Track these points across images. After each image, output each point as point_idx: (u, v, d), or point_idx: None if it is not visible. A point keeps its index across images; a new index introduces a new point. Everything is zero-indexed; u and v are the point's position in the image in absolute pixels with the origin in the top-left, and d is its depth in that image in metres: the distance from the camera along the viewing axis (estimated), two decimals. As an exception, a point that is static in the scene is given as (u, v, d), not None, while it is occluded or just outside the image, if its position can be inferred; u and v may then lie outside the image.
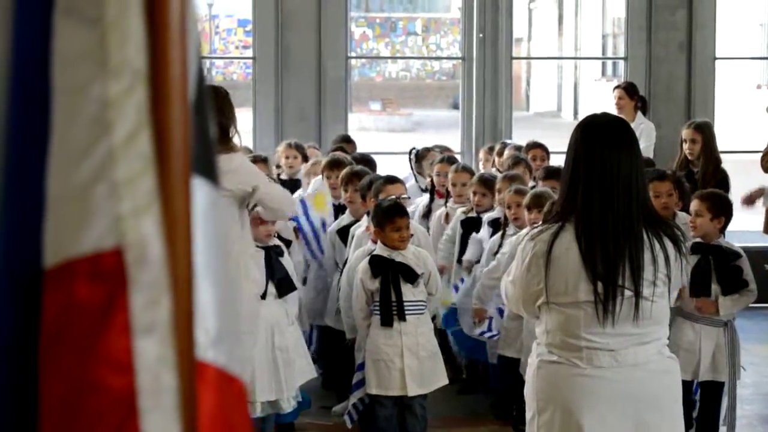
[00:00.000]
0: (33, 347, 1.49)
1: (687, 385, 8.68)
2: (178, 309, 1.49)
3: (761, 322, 12.76)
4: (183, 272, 1.49)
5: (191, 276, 1.51)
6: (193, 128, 1.55)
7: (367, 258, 8.85)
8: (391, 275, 8.75)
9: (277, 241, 8.80)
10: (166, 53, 1.46)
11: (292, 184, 11.15)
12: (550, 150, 12.25)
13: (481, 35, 14.40)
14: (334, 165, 10.77)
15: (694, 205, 8.87)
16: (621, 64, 15.60)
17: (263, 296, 8.57)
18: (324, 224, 10.27)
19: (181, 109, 1.49)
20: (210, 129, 1.63)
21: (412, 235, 8.96)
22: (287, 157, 11.75)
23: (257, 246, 8.48)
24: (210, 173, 1.60)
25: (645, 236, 5.52)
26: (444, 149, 12.46)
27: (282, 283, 8.72)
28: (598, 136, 5.70)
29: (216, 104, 7.12)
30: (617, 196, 5.53)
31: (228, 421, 1.61)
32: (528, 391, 5.74)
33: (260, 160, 10.93)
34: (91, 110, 1.46)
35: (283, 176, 11.48)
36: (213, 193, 1.60)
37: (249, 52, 15.48)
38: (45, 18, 1.48)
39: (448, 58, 21.75)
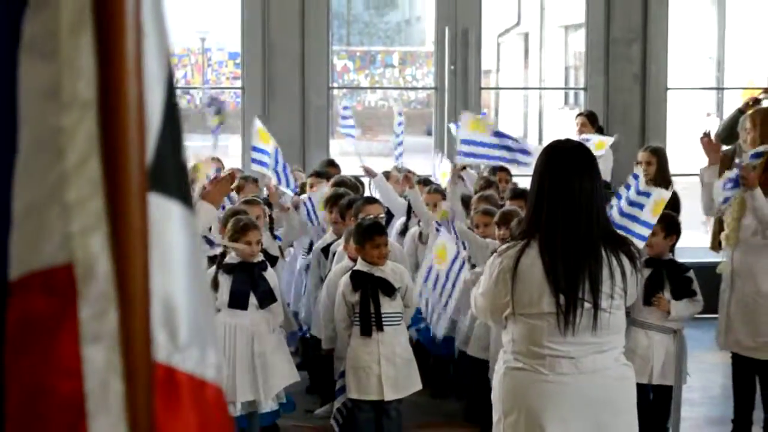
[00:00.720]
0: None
1: (642, 388, 8.70)
2: (133, 319, 1.50)
3: (709, 332, 12.72)
4: (139, 285, 1.51)
5: (147, 288, 1.52)
6: (162, 152, 1.57)
7: (349, 273, 8.91)
8: (370, 289, 8.81)
9: (261, 257, 8.87)
10: (121, 85, 1.48)
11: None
12: (518, 172, 12.26)
13: (452, 67, 14.44)
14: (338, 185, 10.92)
15: None
16: (582, 93, 15.62)
17: (245, 306, 8.66)
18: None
19: (137, 136, 1.50)
20: (182, 153, 1.64)
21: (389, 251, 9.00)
22: (276, 179, 11.81)
23: (243, 261, 8.67)
24: (181, 195, 1.62)
25: (603, 253, 5.55)
26: (406, 171, 12.47)
27: (264, 296, 8.77)
28: (562, 161, 5.73)
29: None
30: (579, 216, 5.56)
31: (203, 422, 1.61)
32: (495, 396, 5.77)
33: (251, 181, 11.06)
34: (47, 138, 1.48)
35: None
36: (185, 213, 1.61)
37: (238, 83, 15.48)
38: (11, 54, 1.51)
39: (423, 88, 21.78)
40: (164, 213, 1.56)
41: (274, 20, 14.13)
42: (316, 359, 10.17)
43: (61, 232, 1.47)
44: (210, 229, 8.19)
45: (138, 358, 1.50)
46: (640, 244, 8.18)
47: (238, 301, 8.67)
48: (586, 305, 5.49)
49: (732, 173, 8.48)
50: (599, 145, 10.95)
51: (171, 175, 1.59)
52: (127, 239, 1.50)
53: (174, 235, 1.58)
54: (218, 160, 12.42)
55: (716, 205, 8.68)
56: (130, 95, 1.49)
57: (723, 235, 8.76)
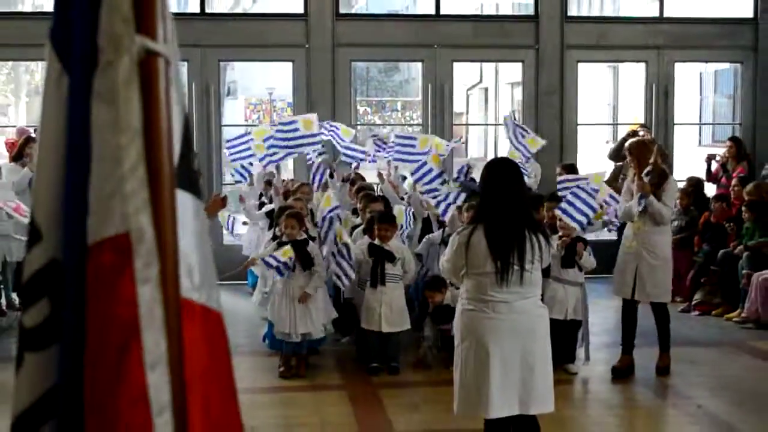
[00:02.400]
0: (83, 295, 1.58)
1: (559, 322, 8.77)
2: (167, 269, 1.56)
3: (608, 286, 12.77)
4: (171, 247, 1.57)
5: (176, 249, 1.59)
6: (185, 161, 1.64)
7: (367, 245, 9.11)
8: (379, 256, 9.02)
9: (304, 235, 8.97)
10: (157, 117, 1.55)
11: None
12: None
13: (433, 111, 14.46)
14: (360, 189, 10.85)
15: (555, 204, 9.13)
16: (520, 128, 15.57)
17: (294, 269, 8.75)
18: None
19: (167, 150, 1.57)
20: (194, 163, 1.70)
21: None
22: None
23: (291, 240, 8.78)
24: (196, 191, 1.68)
25: (526, 233, 5.59)
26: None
27: (305, 262, 8.80)
28: (498, 172, 5.77)
29: None
30: (510, 209, 5.61)
31: (209, 337, 1.68)
32: (455, 328, 5.82)
33: (306, 184, 10.96)
34: (110, 153, 1.54)
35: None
36: (197, 204, 1.68)
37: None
38: (87, 102, 1.56)
39: (417, 124, 21.75)
40: (183, 202, 1.63)
41: (314, 81, 14.14)
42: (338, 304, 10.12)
43: (122, 212, 1.53)
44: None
45: (171, 293, 1.56)
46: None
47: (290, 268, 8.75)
48: (515, 267, 5.54)
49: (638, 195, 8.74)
50: (531, 142, 10.90)
51: (186, 177, 1.65)
52: (163, 217, 1.56)
53: (189, 216, 1.64)
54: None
55: (635, 212, 8.80)
56: (163, 124, 1.56)
57: (633, 226, 8.88)
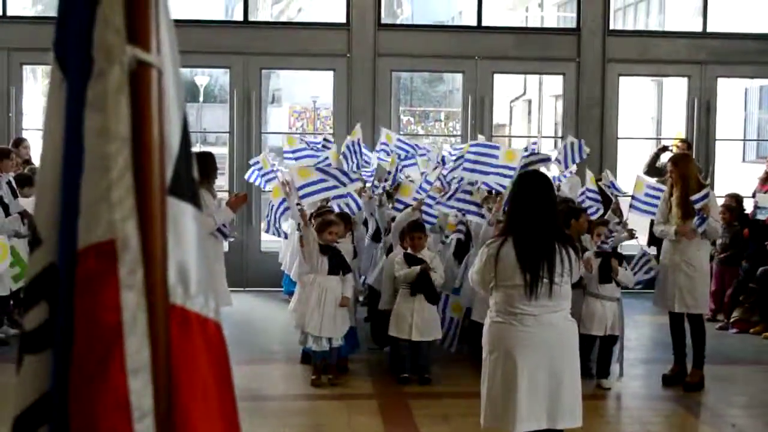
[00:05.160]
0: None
1: (593, 338, 8.72)
2: (153, 275, 1.56)
3: (644, 302, 12.68)
4: (158, 255, 1.57)
5: (165, 258, 1.58)
6: (179, 171, 1.63)
7: (402, 253, 9.09)
8: (413, 265, 8.99)
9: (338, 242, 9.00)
10: (147, 127, 1.55)
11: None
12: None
13: (473, 122, 14.42)
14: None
15: (603, 228, 9.01)
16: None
17: (338, 273, 8.83)
18: None
19: (159, 157, 1.57)
20: (192, 171, 1.69)
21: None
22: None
23: (325, 244, 8.84)
24: (192, 199, 1.67)
25: (556, 246, 5.55)
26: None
27: (345, 268, 8.88)
28: (529, 184, 5.73)
29: (203, 162, 8.11)
30: (539, 221, 5.57)
31: (207, 346, 1.66)
32: (484, 340, 5.78)
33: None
34: (99, 161, 1.55)
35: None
36: (194, 212, 1.67)
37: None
38: (81, 111, 1.58)
39: (456, 135, 21.68)
40: (180, 211, 1.62)
41: (356, 91, 14.19)
42: (376, 314, 10.11)
43: (108, 219, 1.54)
44: (225, 225, 8.64)
45: (157, 301, 1.56)
46: None
47: (334, 270, 8.81)
48: (545, 280, 5.50)
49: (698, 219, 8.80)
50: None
51: (185, 186, 1.64)
52: (150, 225, 1.56)
53: (187, 225, 1.63)
54: None
55: (698, 232, 8.88)
56: (153, 134, 1.56)
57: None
